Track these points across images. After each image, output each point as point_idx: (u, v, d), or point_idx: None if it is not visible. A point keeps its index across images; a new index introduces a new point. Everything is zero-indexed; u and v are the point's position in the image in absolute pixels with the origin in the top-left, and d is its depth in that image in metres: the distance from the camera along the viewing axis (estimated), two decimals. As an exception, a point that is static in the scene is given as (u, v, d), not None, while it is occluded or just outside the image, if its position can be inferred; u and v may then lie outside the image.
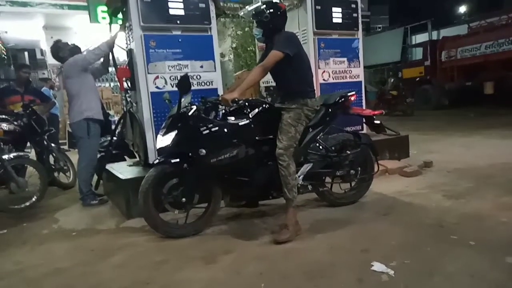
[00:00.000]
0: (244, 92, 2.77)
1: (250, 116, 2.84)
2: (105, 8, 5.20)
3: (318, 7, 4.51)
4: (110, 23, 3.97)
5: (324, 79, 4.65)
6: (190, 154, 2.76)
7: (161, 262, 2.50)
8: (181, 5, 3.59)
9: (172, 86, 3.54)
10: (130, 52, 3.78)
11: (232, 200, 3.03)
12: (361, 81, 4.95)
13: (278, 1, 3.04)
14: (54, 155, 4.80)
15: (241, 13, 3.28)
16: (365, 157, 3.40)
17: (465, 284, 2.02)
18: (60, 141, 7.27)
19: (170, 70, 3.60)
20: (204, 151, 2.69)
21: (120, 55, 4.29)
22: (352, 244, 2.59)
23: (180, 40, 3.62)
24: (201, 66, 3.72)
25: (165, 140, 2.75)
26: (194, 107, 2.76)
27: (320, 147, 3.22)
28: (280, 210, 3.18)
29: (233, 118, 2.87)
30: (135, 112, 3.85)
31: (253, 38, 5.66)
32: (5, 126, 4.20)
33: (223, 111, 2.97)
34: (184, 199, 2.83)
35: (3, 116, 4.34)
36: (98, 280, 2.33)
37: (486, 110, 11.02)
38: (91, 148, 3.96)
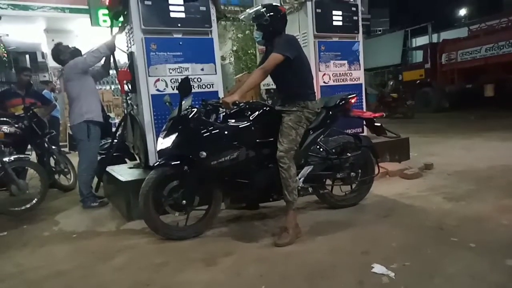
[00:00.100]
0: (245, 94, 2.78)
1: (251, 119, 2.85)
2: (106, 11, 5.23)
3: (319, 10, 4.51)
4: (111, 26, 3.98)
5: (324, 82, 4.66)
6: (190, 156, 2.76)
7: (161, 264, 2.50)
8: (182, 8, 3.61)
9: (173, 89, 3.55)
10: (131, 55, 3.80)
11: (233, 202, 3.02)
12: (361, 84, 4.96)
13: (278, 4, 3.05)
14: (55, 157, 4.81)
15: (242, 16, 3.28)
16: (365, 160, 3.40)
17: (466, 286, 2.02)
18: (60, 144, 7.27)
19: (170, 72, 3.61)
20: (204, 153, 2.69)
21: (121, 58, 4.31)
22: (352, 246, 2.59)
23: (181, 43, 3.64)
24: (202, 69, 3.74)
25: (165, 142, 2.75)
26: (195, 110, 2.76)
27: (321, 149, 3.22)
28: (280, 212, 3.17)
29: (233, 120, 2.88)
30: (136, 115, 3.86)
31: (254, 41, 5.67)
32: (6, 128, 4.21)
33: (224, 113, 2.98)
34: (184, 201, 2.83)
35: (4, 119, 4.36)
36: (98, 282, 2.33)
37: (486, 112, 11.02)
38: (91, 150, 3.97)
